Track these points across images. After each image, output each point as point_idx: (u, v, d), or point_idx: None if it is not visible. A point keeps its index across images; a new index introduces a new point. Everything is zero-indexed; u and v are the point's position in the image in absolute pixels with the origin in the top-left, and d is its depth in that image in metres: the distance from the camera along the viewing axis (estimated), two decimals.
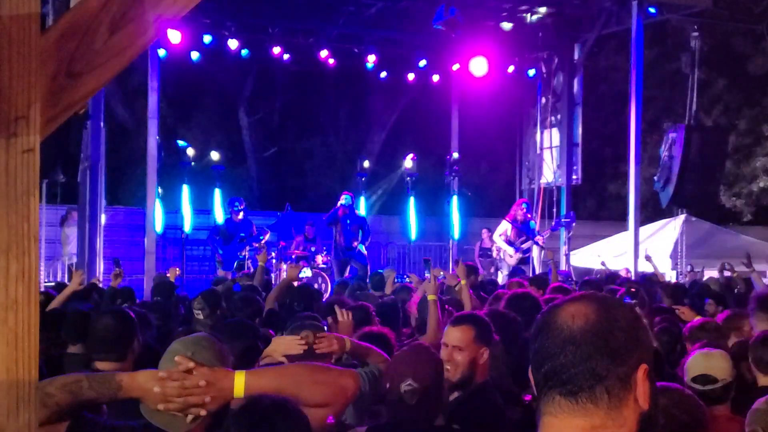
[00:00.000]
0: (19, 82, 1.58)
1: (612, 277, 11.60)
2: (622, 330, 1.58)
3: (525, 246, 14.83)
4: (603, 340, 1.56)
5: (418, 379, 3.43)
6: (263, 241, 14.63)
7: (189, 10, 1.82)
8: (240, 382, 2.54)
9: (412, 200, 17.57)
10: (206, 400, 2.48)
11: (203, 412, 2.48)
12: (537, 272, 14.21)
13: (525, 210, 15.19)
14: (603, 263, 13.36)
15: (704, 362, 4.01)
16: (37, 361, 1.59)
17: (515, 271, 12.66)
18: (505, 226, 15.21)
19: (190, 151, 15.77)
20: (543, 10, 16.69)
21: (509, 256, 14.92)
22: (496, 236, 15.35)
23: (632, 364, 1.56)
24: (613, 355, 1.55)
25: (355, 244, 15.19)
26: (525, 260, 14.89)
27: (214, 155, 17.02)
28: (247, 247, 14.70)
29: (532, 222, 15.34)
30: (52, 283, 11.53)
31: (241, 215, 14.86)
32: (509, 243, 14.96)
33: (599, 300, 1.63)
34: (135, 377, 2.52)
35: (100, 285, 9.96)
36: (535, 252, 15.80)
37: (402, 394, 3.43)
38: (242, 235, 14.67)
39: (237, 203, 14.97)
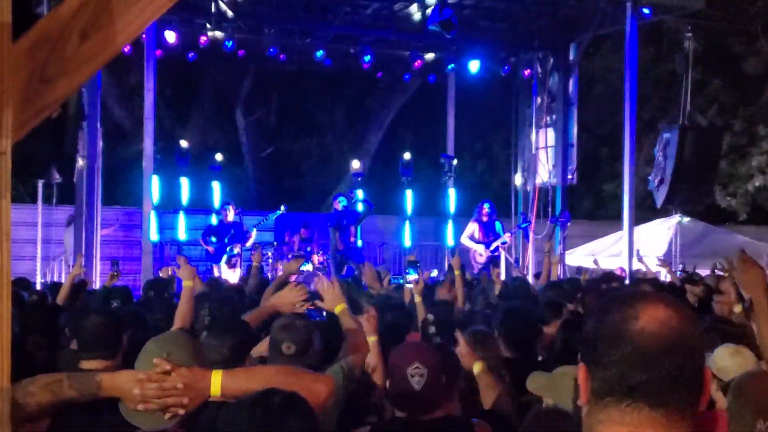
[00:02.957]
0: None
1: (609, 276, 11.64)
2: (699, 333, 1.58)
3: (493, 246, 15.08)
4: (695, 348, 1.54)
5: (426, 364, 3.45)
6: (250, 241, 15.05)
7: (156, 18, 1.88)
8: (216, 382, 2.59)
9: (408, 199, 17.62)
10: (184, 401, 2.54)
11: (182, 412, 2.53)
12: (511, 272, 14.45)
13: (489, 211, 15.46)
14: (596, 261, 13.41)
15: (735, 361, 3.92)
16: (9, 352, 1.66)
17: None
18: (472, 227, 15.53)
19: (184, 143, 15.92)
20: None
21: (479, 254, 15.15)
22: (463, 237, 15.66)
23: (703, 368, 1.55)
24: (701, 362, 1.54)
25: (352, 240, 15.37)
26: (495, 259, 15.06)
27: (218, 156, 17.17)
28: (239, 245, 15.08)
29: (498, 222, 15.58)
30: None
31: (231, 216, 15.25)
32: (478, 242, 15.22)
33: (672, 302, 1.58)
34: (115, 377, 2.57)
35: (94, 285, 10.00)
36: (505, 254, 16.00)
37: (409, 378, 3.43)
38: (232, 232, 15.09)
39: (227, 205, 15.41)
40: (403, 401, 3.50)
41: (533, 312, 5.78)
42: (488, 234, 15.26)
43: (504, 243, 15.33)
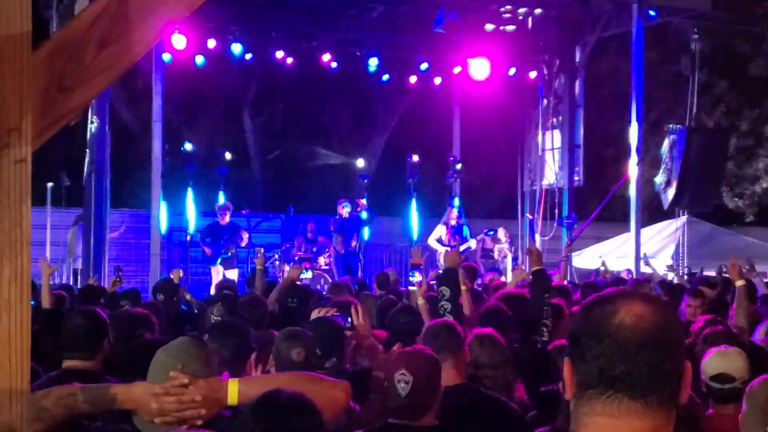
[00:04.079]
0: (11, 96, 1.67)
1: (619, 279, 11.63)
2: (681, 328, 1.64)
3: (461, 248, 15.23)
4: (675, 342, 1.59)
5: (411, 371, 3.50)
6: (244, 242, 15.55)
7: (173, 26, 1.92)
8: (233, 391, 2.60)
9: (414, 202, 17.63)
10: (202, 413, 2.54)
11: (199, 422, 2.54)
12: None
13: (457, 214, 15.84)
14: (603, 263, 13.41)
15: (722, 361, 4.06)
16: (29, 358, 1.69)
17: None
18: (440, 230, 15.86)
19: (188, 146, 16.04)
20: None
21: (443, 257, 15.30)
22: (430, 239, 15.81)
23: (684, 363, 1.61)
24: (681, 355, 1.59)
25: (354, 244, 15.58)
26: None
27: (227, 155, 17.27)
28: (233, 246, 15.48)
29: (466, 227, 15.87)
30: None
31: (227, 218, 15.60)
32: (444, 245, 15.43)
33: (651, 299, 1.65)
34: (130, 390, 2.56)
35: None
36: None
37: (395, 384, 3.50)
38: (227, 237, 15.42)
39: (223, 208, 15.81)
40: (392, 407, 3.57)
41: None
42: (455, 237, 15.43)
43: (469, 248, 15.48)
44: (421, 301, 6.26)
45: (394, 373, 3.53)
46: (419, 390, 3.50)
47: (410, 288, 7.81)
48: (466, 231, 15.69)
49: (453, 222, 15.68)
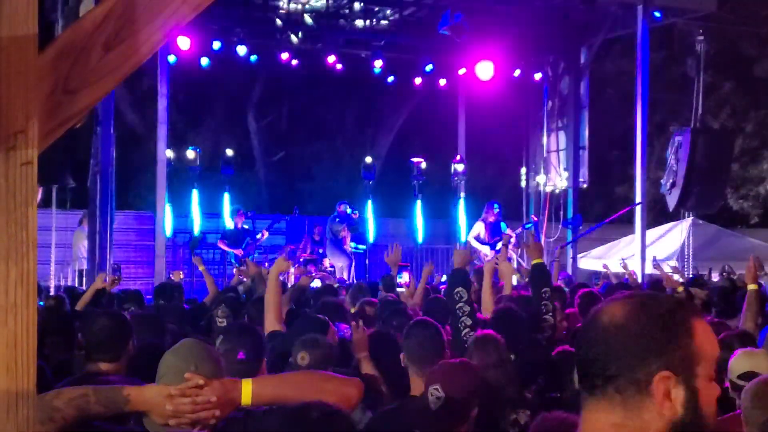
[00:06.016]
0: (17, 99, 1.66)
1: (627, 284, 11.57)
2: (644, 336, 1.57)
3: (498, 246, 15.28)
4: (618, 343, 1.57)
5: (446, 388, 3.47)
6: (264, 237, 15.90)
7: (179, 28, 1.91)
8: (247, 391, 2.58)
9: (419, 203, 17.63)
10: (216, 414, 2.53)
11: (213, 421, 2.53)
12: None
13: (497, 212, 15.82)
14: (605, 266, 13.37)
15: (749, 361, 4.17)
16: (35, 361, 1.68)
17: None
18: (478, 228, 15.85)
19: (191, 154, 16.08)
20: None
21: (484, 255, 15.30)
22: (470, 237, 15.86)
23: (650, 370, 1.55)
24: (624, 359, 1.56)
25: (344, 247, 15.92)
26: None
27: (229, 151, 17.28)
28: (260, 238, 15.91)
29: (503, 223, 15.88)
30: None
31: (239, 222, 15.98)
32: (483, 243, 15.54)
33: (641, 302, 1.62)
34: (143, 392, 2.55)
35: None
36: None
37: (429, 396, 3.49)
38: (248, 240, 15.67)
39: (237, 212, 16.17)
40: (420, 415, 3.56)
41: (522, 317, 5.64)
42: (494, 235, 15.48)
43: (510, 240, 15.51)
44: (411, 302, 6.22)
45: (430, 384, 3.53)
46: (449, 409, 3.48)
47: (398, 290, 7.75)
48: (504, 227, 15.71)
49: (492, 219, 15.70)
